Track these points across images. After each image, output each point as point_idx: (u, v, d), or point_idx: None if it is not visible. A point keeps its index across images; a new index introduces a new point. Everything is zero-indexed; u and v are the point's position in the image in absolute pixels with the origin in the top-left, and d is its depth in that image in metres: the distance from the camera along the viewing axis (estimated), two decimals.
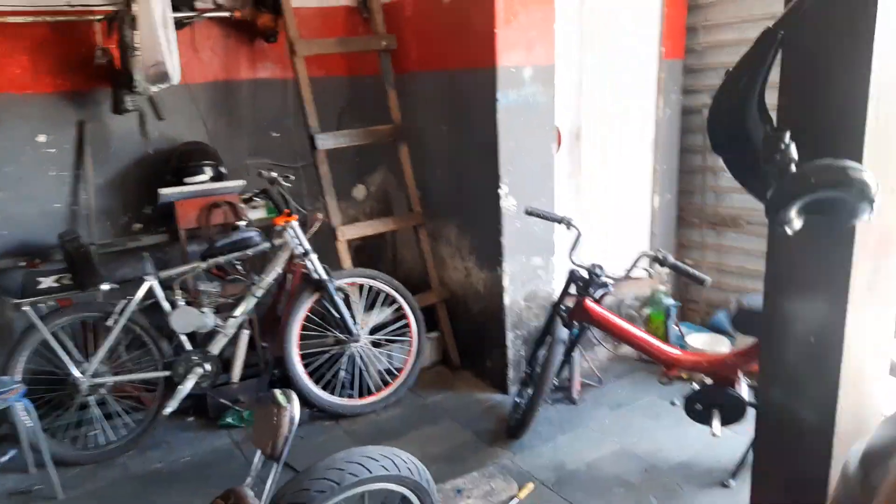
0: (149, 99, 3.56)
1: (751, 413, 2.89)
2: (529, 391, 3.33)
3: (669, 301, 4.12)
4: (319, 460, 2.02)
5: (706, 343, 3.90)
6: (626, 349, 4.24)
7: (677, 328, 4.04)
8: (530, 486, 2.92)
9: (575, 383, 3.68)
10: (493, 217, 3.61)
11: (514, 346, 3.75)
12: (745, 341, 2.91)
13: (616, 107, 4.05)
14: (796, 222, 1.13)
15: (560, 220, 3.02)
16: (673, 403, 3.26)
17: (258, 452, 1.89)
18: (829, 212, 1.17)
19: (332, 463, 2.00)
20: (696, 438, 3.22)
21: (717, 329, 4.18)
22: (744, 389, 2.91)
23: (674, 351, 3.04)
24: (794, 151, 1.17)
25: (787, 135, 1.17)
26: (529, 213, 3.09)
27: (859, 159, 1.19)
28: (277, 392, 1.84)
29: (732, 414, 2.91)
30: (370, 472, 2.01)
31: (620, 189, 4.19)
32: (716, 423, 2.89)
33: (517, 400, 3.40)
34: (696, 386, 3.04)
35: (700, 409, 2.95)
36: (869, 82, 1.19)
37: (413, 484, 2.14)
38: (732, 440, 3.04)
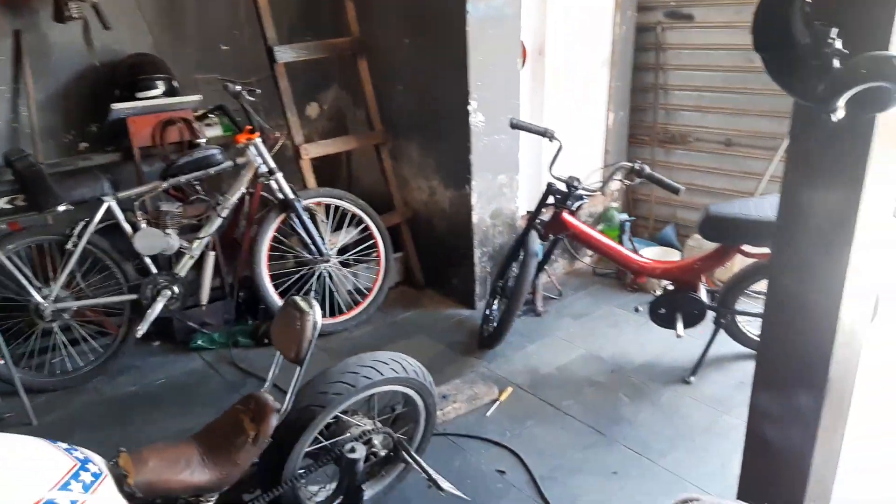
0: (93, 6, 3.29)
1: (709, 316, 3.14)
2: (500, 304, 3.45)
3: (623, 216, 4.29)
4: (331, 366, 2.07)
5: (658, 255, 4.09)
6: (580, 264, 4.43)
7: (631, 242, 4.22)
8: (510, 389, 3.07)
9: (538, 296, 3.82)
10: (461, 134, 3.60)
11: (481, 262, 3.83)
12: (709, 247, 3.10)
13: (577, 23, 4.06)
14: (842, 112, 1.22)
15: (544, 133, 3.06)
16: (637, 310, 3.45)
17: (277, 356, 1.90)
18: (865, 102, 1.26)
19: (346, 367, 2.05)
20: (655, 342, 3.44)
21: (664, 242, 4.41)
22: (703, 294, 3.12)
23: (644, 259, 3.21)
24: (840, 45, 1.24)
25: (835, 31, 1.24)
26: (514, 125, 3.11)
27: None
28: (299, 298, 1.84)
29: (694, 317, 3.12)
30: (382, 375, 2.08)
31: (579, 106, 4.26)
32: (679, 325, 3.10)
33: (488, 313, 3.51)
34: (658, 292, 3.24)
35: (664, 313, 3.16)
36: None
37: (418, 385, 2.22)
38: (688, 342, 3.25)
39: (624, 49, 4.31)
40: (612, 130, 4.45)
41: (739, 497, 1.80)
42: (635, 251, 4.08)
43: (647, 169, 2.88)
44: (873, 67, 1.17)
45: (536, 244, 3.23)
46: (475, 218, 3.73)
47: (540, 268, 3.36)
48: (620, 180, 2.98)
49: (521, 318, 3.74)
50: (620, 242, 4.14)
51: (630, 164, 2.89)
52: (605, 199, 4.52)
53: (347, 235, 3.80)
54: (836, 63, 1.23)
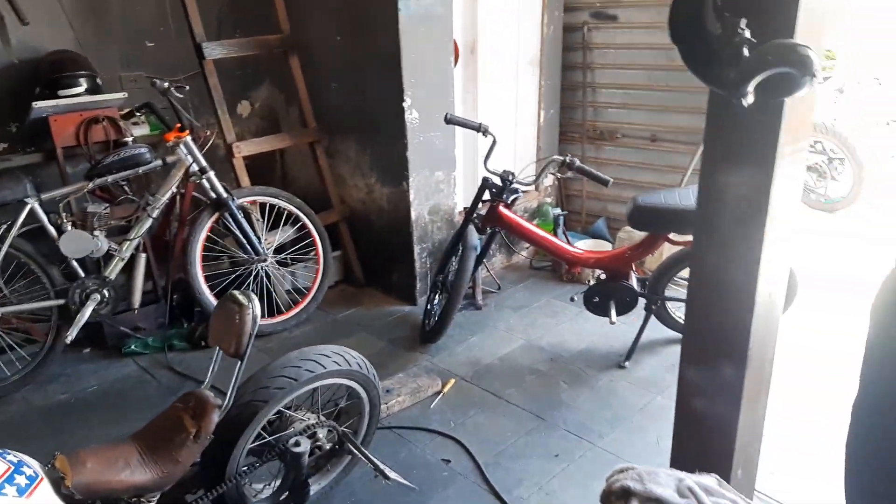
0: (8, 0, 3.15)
1: (640, 303, 3.27)
2: (441, 299, 3.49)
3: (557, 211, 4.41)
4: (273, 360, 2.07)
5: (590, 248, 4.23)
6: (518, 258, 4.53)
7: (565, 236, 4.34)
8: (453, 381, 3.11)
9: (478, 289, 3.89)
10: (396, 131, 3.62)
11: (421, 258, 3.86)
12: (638, 236, 3.23)
13: (506, 23, 4.15)
14: (751, 97, 1.31)
15: (478, 128, 3.11)
16: (572, 300, 3.56)
17: (217, 352, 1.88)
18: (773, 88, 1.36)
19: (289, 361, 2.04)
20: (591, 330, 3.56)
21: (596, 235, 4.55)
22: (634, 282, 3.24)
23: (578, 250, 3.31)
24: (749, 35, 1.34)
25: (744, 21, 1.33)
26: (449, 121, 3.15)
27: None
28: (237, 293, 1.83)
29: (626, 304, 3.25)
30: (324, 368, 2.08)
31: (511, 103, 4.34)
32: (613, 313, 3.21)
33: (429, 308, 3.54)
34: (592, 282, 3.35)
35: (598, 301, 3.26)
36: None
37: (361, 378, 2.24)
38: (622, 329, 3.39)
39: (552, 48, 4.42)
40: (544, 128, 4.56)
41: (672, 466, 1.89)
42: (569, 243, 4.22)
43: (578, 162, 2.98)
44: (779, 54, 1.27)
45: (475, 238, 3.28)
46: (413, 214, 3.75)
47: (479, 261, 3.42)
48: (553, 173, 3.06)
49: (461, 311, 3.79)
50: (555, 236, 4.25)
51: (561, 158, 2.99)
52: (540, 194, 4.63)
53: (284, 234, 3.76)
54: (746, 51, 1.32)
